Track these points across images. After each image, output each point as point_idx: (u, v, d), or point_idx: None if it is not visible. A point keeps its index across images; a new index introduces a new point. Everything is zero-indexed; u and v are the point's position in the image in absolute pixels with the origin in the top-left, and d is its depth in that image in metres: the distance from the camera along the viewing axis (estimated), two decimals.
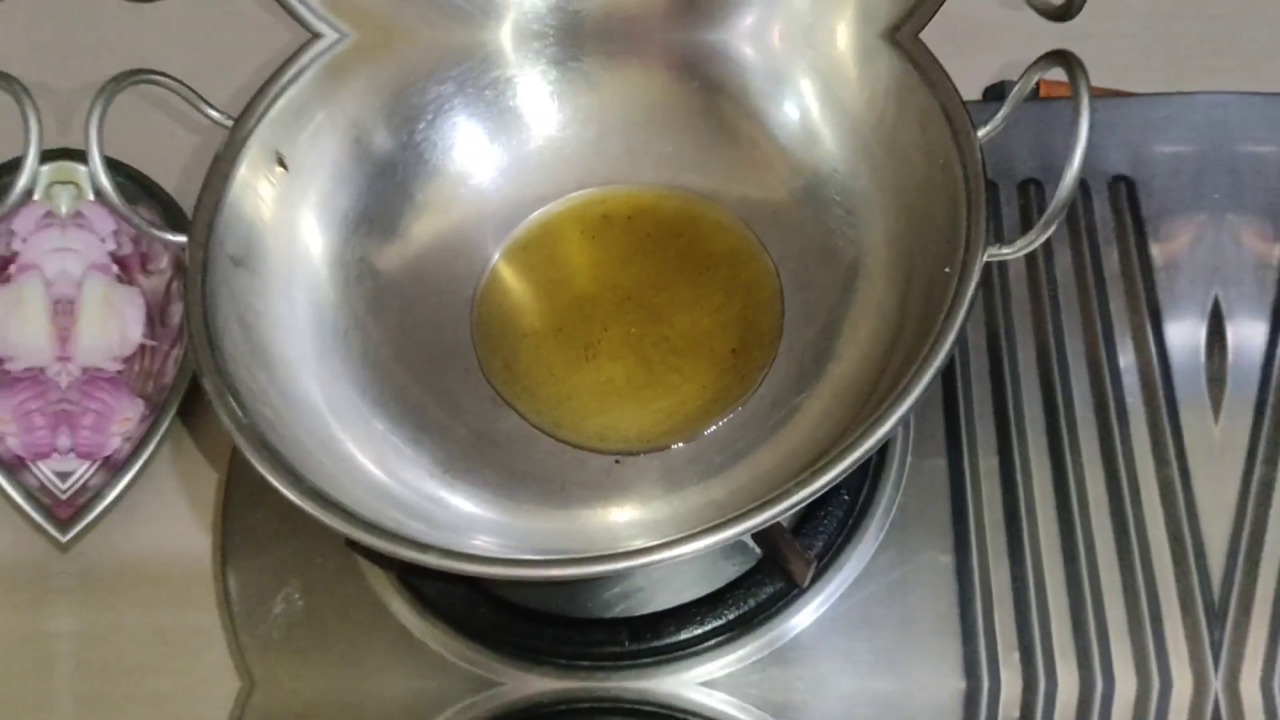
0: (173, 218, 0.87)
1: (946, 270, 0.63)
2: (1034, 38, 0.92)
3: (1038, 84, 0.86)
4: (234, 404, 0.63)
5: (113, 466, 0.81)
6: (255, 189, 0.71)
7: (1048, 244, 0.82)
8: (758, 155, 0.78)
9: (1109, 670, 0.71)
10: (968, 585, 0.73)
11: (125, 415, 0.83)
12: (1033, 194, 0.85)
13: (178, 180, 0.90)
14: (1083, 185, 0.84)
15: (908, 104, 0.70)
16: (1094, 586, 0.73)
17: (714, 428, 0.73)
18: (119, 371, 0.85)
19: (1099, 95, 0.81)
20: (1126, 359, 0.79)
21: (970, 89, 0.80)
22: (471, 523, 0.69)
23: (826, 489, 0.58)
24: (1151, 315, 0.80)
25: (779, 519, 0.58)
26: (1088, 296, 0.81)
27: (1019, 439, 0.77)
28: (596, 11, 0.77)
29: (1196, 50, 0.93)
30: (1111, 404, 0.78)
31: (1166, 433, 0.76)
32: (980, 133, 0.66)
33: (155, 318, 0.86)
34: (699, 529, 0.57)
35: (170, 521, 0.82)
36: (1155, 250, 0.82)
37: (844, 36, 0.74)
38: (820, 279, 0.75)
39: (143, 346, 0.86)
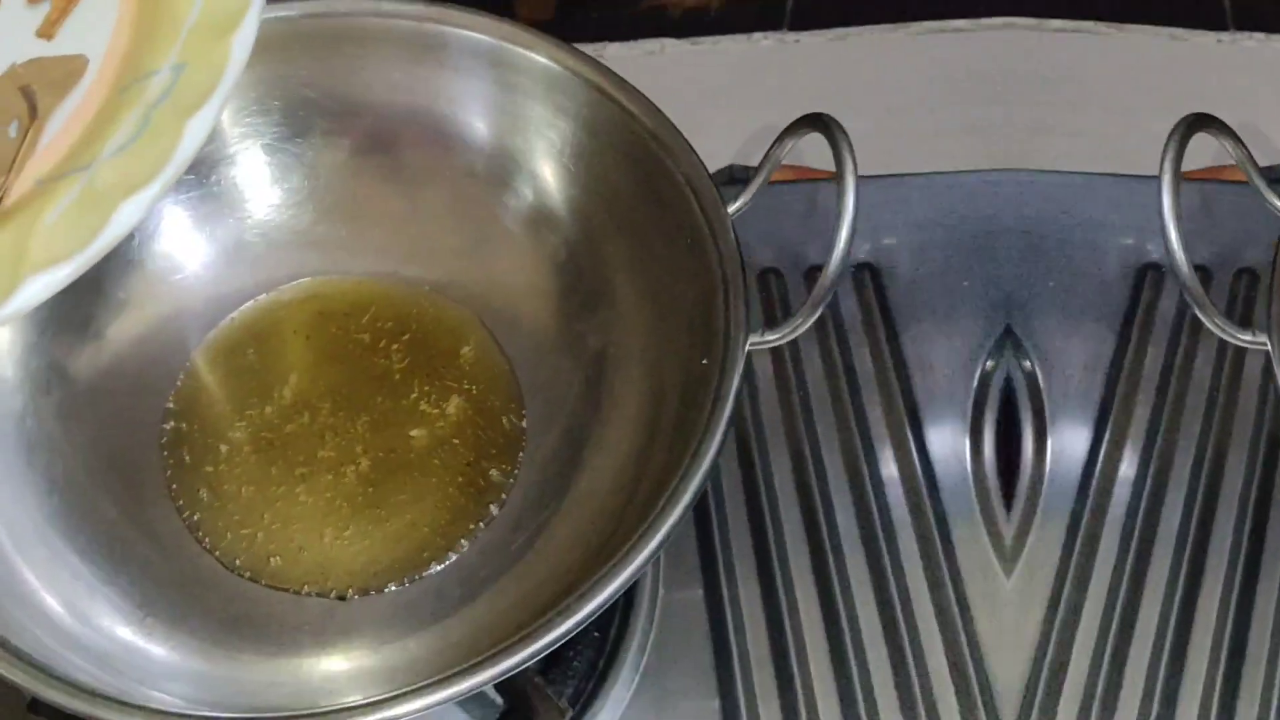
0: None
1: (704, 362, 0.62)
2: (755, 123, 0.95)
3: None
4: None
5: None
6: None
7: (794, 341, 0.81)
8: (489, 241, 0.75)
9: None
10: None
11: None
12: (774, 285, 0.84)
13: None
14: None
15: (649, 180, 0.69)
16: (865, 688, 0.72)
17: (451, 557, 0.68)
18: None
19: (827, 178, 0.82)
20: (888, 468, 0.78)
21: None
22: (173, 673, 0.64)
23: (578, 629, 0.55)
24: (910, 417, 0.80)
25: (525, 665, 0.55)
26: (841, 399, 0.81)
27: (780, 564, 0.76)
28: (323, 90, 0.74)
29: (923, 132, 0.96)
30: (877, 520, 0.77)
31: (938, 552, 0.75)
32: (730, 208, 0.65)
33: None
34: (431, 680, 0.54)
35: None
36: (907, 344, 0.82)
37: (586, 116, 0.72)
38: (563, 378, 0.72)
39: None
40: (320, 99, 0.74)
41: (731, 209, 0.65)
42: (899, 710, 0.71)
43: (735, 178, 0.89)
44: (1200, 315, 0.62)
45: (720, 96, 0.98)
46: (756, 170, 0.67)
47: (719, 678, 0.72)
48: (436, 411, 0.72)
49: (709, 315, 0.63)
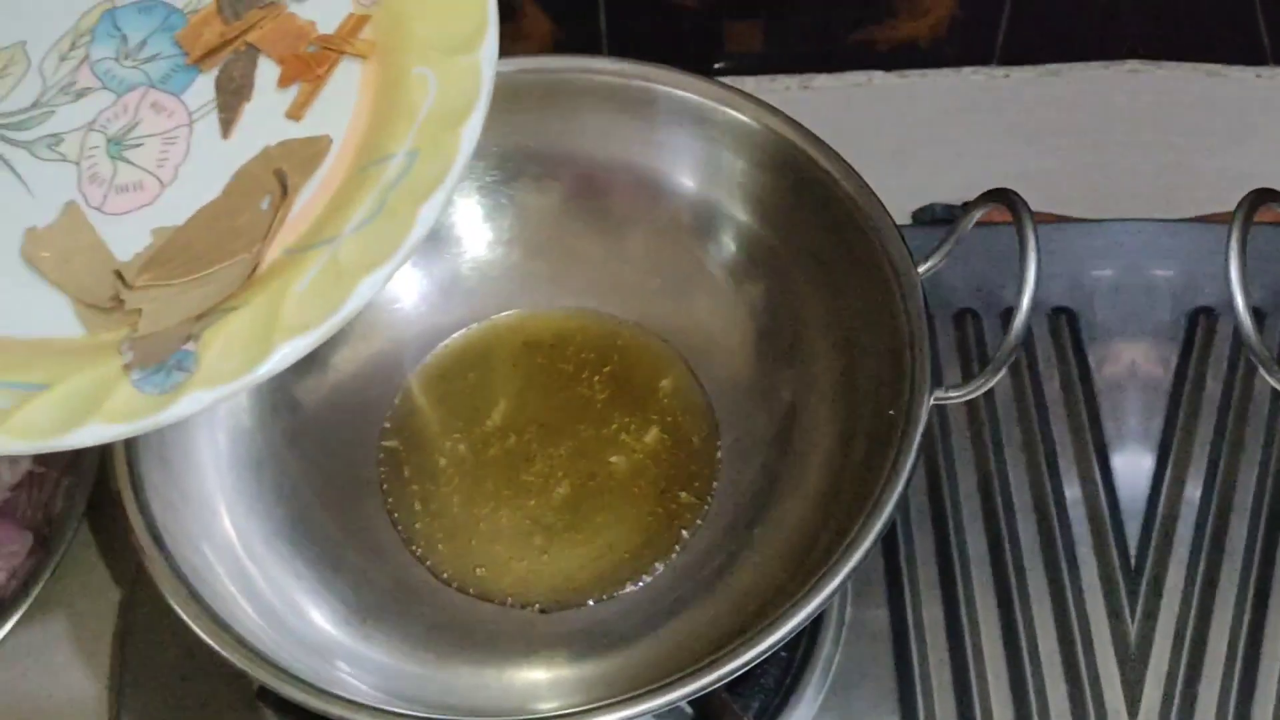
0: None
1: (890, 413, 0.65)
2: (961, 157, 0.98)
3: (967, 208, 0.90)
4: (160, 553, 0.64)
5: None
6: None
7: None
8: (690, 285, 0.80)
9: None
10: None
11: (12, 549, 0.80)
12: (969, 326, 0.87)
13: None
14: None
15: (844, 238, 0.72)
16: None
17: (646, 578, 0.73)
18: (5, 501, 0.82)
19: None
20: (1073, 493, 0.80)
21: (897, 211, 0.83)
22: (389, 675, 0.69)
23: (768, 653, 0.59)
24: (1098, 449, 0.82)
25: (717, 685, 0.59)
26: (1031, 433, 0.83)
27: (964, 587, 0.78)
28: (536, 139, 0.79)
29: (1119, 180, 0.97)
30: (1060, 546, 0.79)
31: (1119, 580, 0.77)
32: (920, 269, 0.69)
33: None
34: (628, 695, 0.58)
35: (60, 666, 0.80)
36: (1098, 380, 0.84)
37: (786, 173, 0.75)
38: (757, 418, 0.76)
39: (31, 474, 0.84)
40: (533, 147, 0.79)
41: (922, 269, 0.68)
42: None
43: (938, 217, 0.92)
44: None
45: (927, 130, 1.00)
46: (944, 239, 0.70)
47: (900, 698, 0.75)
48: (635, 440, 0.77)
49: (897, 369, 0.66)
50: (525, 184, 0.81)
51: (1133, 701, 0.73)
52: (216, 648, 0.61)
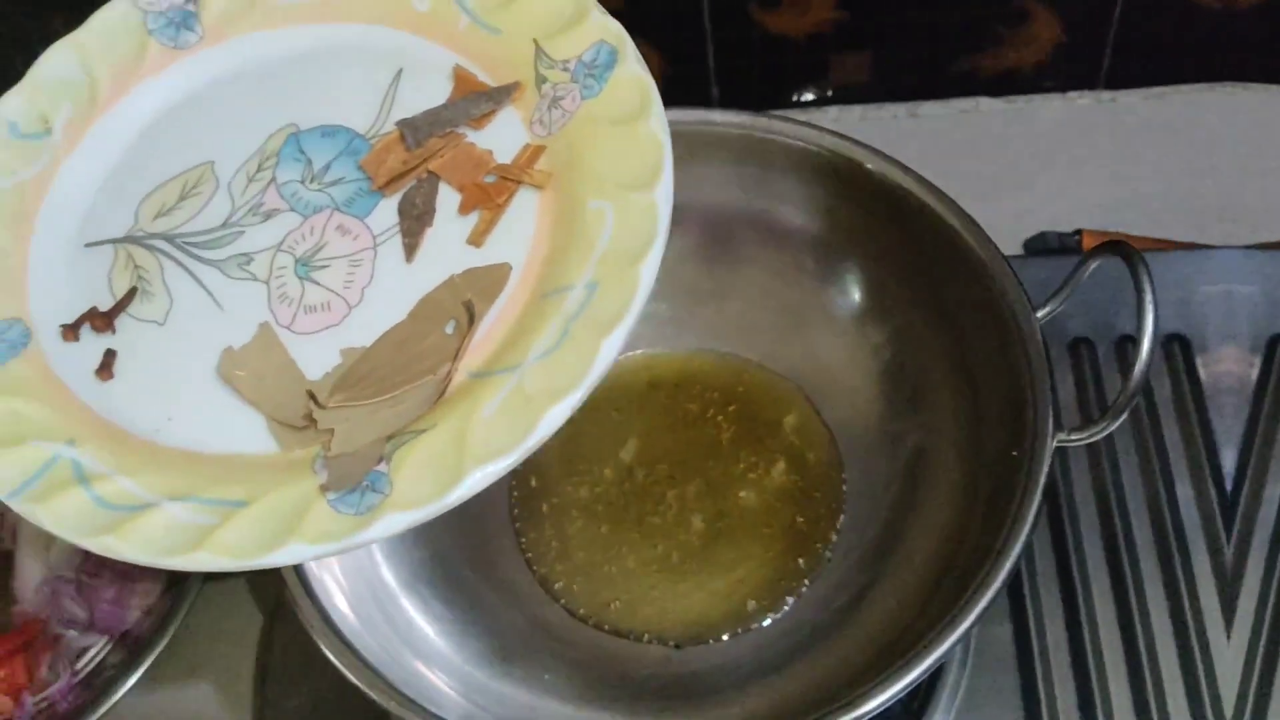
0: None
1: (1014, 454, 0.68)
2: (1069, 182, 1.00)
3: (1080, 237, 0.93)
4: (310, 605, 0.67)
5: (133, 644, 0.82)
6: None
7: (1102, 399, 0.87)
8: (814, 329, 0.84)
9: None
10: None
11: (145, 586, 0.84)
12: (1085, 355, 0.89)
13: None
14: (1133, 341, 0.88)
15: (962, 283, 0.75)
16: None
17: (778, 613, 0.76)
18: None
19: (1143, 248, 0.86)
20: (1190, 517, 0.83)
21: (1009, 240, 0.84)
22: (530, 712, 0.73)
23: (907, 690, 0.62)
24: (1213, 469, 0.84)
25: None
26: (1147, 454, 0.85)
27: (1085, 603, 0.80)
28: None
29: (1224, 203, 0.99)
30: (1177, 564, 0.81)
31: (1238, 595, 0.80)
32: (1039, 314, 0.72)
33: None
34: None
35: (198, 703, 0.84)
36: (1211, 401, 0.87)
37: (901, 217, 0.78)
38: (881, 456, 0.79)
39: None
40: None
41: (1040, 315, 0.72)
42: None
43: (1049, 245, 0.95)
44: None
45: (1035, 156, 1.03)
46: (1060, 286, 0.73)
47: (1026, 714, 0.77)
48: (763, 477, 0.81)
49: (1019, 413, 0.69)
50: None
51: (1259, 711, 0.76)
52: (365, 689, 0.65)
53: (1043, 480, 0.66)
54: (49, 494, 0.60)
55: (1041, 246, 0.95)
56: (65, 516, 0.59)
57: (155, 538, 0.58)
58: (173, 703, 0.83)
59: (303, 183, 0.66)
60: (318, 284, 0.63)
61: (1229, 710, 0.76)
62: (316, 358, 0.62)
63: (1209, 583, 0.80)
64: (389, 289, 0.63)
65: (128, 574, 0.84)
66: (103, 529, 0.58)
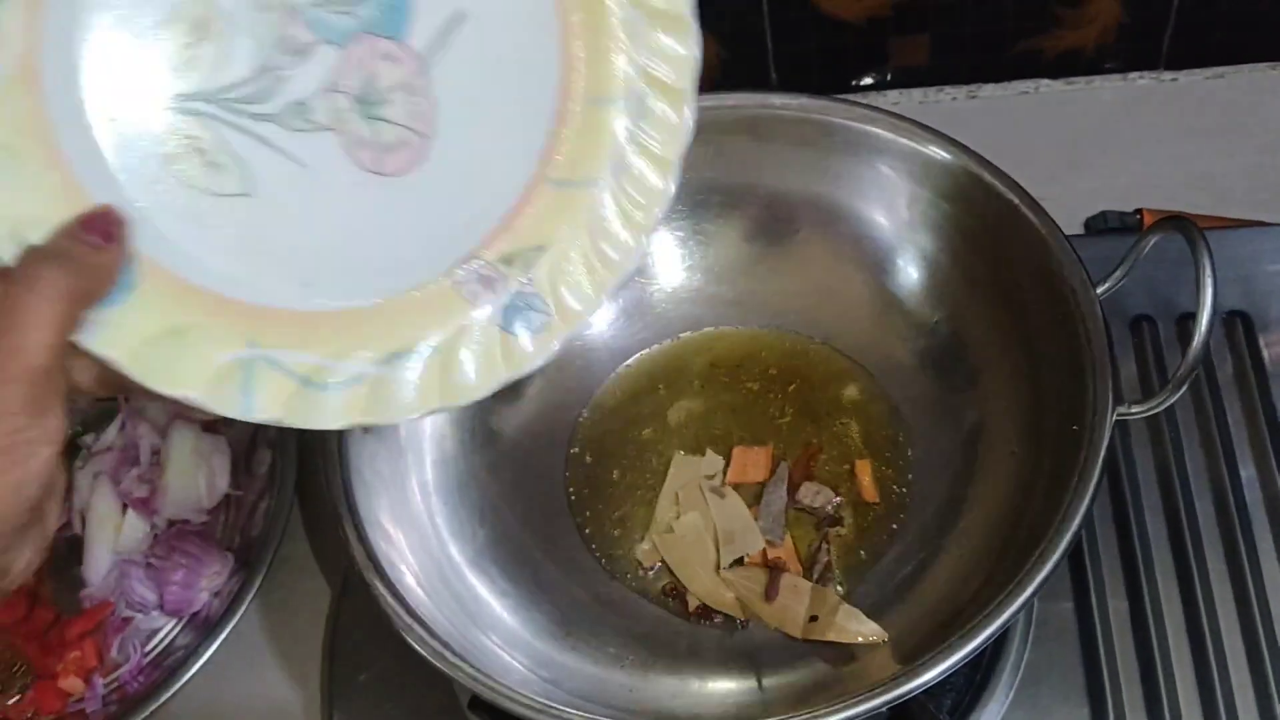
0: None
1: (1075, 428, 0.70)
2: (1130, 162, 1.02)
3: (1141, 216, 0.94)
4: (378, 575, 0.70)
5: (202, 625, 0.85)
6: None
7: (1163, 376, 0.89)
8: (873, 308, 0.86)
9: None
10: None
11: (214, 569, 0.87)
12: (1146, 332, 0.91)
13: None
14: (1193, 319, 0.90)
15: (1022, 262, 0.77)
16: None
17: (841, 587, 0.78)
18: (204, 524, 0.90)
19: (1205, 226, 0.88)
20: (1253, 494, 0.84)
21: (1069, 219, 0.86)
22: (592, 683, 0.75)
23: (968, 658, 0.64)
24: (1276, 451, 0.86)
25: (916, 693, 0.64)
26: (1208, 428, 0.87)
27: (1147, 576, 0.82)
28: (719, 170, 0.85)
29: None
30: (1240, 538, 0.82)
31: None
32: (1099, 290, 0.74)
33: (241, 467, 0.92)
34: (846, 700, 0.64)
35: (267, 682, 0.86)
36: (1276, 390, 0.88)
37: (960, 197, 0.81)
38: (943, 432, 0.82)
39: (229, 497, 0.91)
40: (717, 179, 0.86)
41: (1100, 290, 0.74)
42: (1257, 713, 0.77)
43: (1109, 224, 0.97)
44: None
45: (1096, 136, 1.05)
46: (1120, 260, 0.75)
47: (1089, 689, 0.79)
48: (825, 455, 0.83)
49: (1079, 386, 0.71)
50: (710, 214, 0.87)
51: None
52: (433, 660, 0.67)
53: (1103, 452, 0.68)
54: (274, 401, 0.59)
55: (1102, 226, 0.97)
56: (302, 412, 0.60)
57: (389, 398, 0.61)
58: (242, 683, 0.86)
59: (319, 6, 0.60)
60: (386, 120, 0.62)
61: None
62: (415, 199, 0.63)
63: (1272, 559, 0.82)
64: (454, 111, 0.63)
65: (196, 556, 0.87)
66: (344, 411, 0.61)
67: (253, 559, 0.86)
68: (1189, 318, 0.90)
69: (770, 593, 0.77)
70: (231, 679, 0.86)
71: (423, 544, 0.77)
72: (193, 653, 0.82)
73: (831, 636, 0.74)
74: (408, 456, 0.80)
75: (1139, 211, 0.97)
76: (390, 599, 0.69)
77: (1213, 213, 0.95)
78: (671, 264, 0.89)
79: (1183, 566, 0.82)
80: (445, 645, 0.68)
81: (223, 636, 0.83)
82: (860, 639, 0.74)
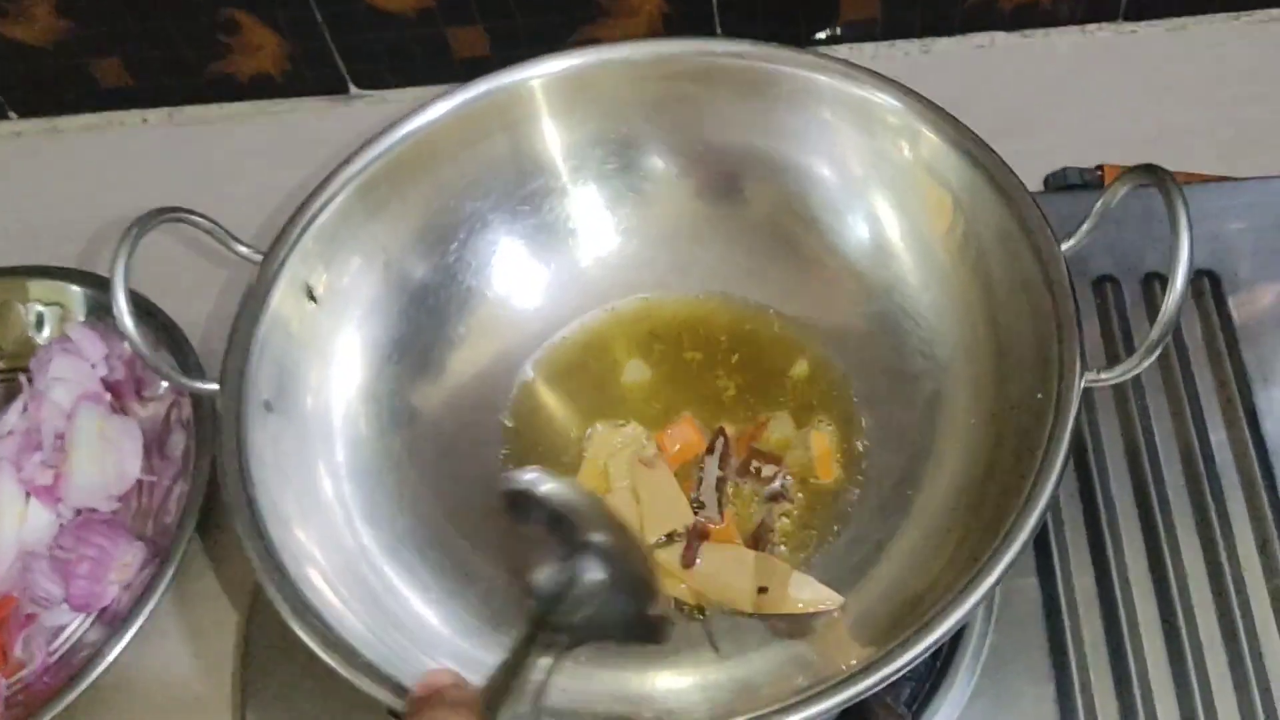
0: (169, 337, 0.88)
1: (1039, 396, 0.66)
2: (1090, 117, 0.98)
3: (1102, 172, 0.90)
4: (277, 572, 0.65)
5: (111, 620, 0.81)
6: (286, 326, 0.74)
7: (1129, 340, 0.85)
8: (824, 272, 0.81)
9: None
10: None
11: (124, 560, 0.82)
12: (1110, 294, 0.87)
13: (202, 322, 0.93)
14: (1160, 279, 0.86)
15: (981, 217, 0.73)
16: (1209, 716, 0.73)
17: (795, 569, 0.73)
18: (114, 512, 0.85)
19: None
20: (1224, 459, 0.81)
21: (1028, 176, 0.82)
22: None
23: (935, 647, 0.60)
24: (1248, 415, 0.82)
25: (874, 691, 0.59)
26: (1177, 396, 0.83)
27: (1115, 554, 0.78)
28: (655, 125, 0.80)
29: (1251, 135, 0.96)
30: (1212, 510, 0.79)
31: (1275, 544, 0.77)
32: (1065, 246, 0.69)
33: (153, 449, 0.87)
34: (798, 699, 0.59)
35: (179, 682, 0.82)
36: (1247, 350, 0.84)
37: (915, 149, 0.76)
38: (899, 406, 0.77)
39: (140, 483, 0.87)
40: (655, 133, 0.81)
41: (1065, 247, 0.68)
42: (1233, 691, 0.73)
43: (1070, 181, 0.93)
44: None
45: (1054, 91, 1.01)
46: (1087, 215, 0.69)
47: (1055, 669, 0.75)
48: (771, 429, 0.78)
49: (1043, 352, 0.67)
50: (646, 171, 0.82)
51: None
52: (341, 670, 0.63)
53: (1071, 423, 0.63)
54: None
55: (1062, 183, 0.93)
56: None
57: None
58: (155, 680, 0.82)
59: None
60: None
61: (1271, 660, 0.74)
62: None
63: (1245, 527, 0.78)
64: None
65: (105, 547, 0.82)
66: None
67: (166, 548, 0.81)
68: (1155, 278, 0.87)
69: (687, 556, 0.73)
70: (144, 676, 0.82)
71: (334, 535, 0.72)
72: (102, 650, 0.77)
73: (786, 609, 0.70)
74: (315, 439, 0.75)
75: (1100, 168, 0.93)
76: (291, 599, 0.64)
77: (1177, 168, 0.88)
78: (604, 227, 0.84)
79: (1152, 540, 0.79)
80: (350, 651, 0.63)
81: (133, 632, 0.78)
82: (817, 607, 0.70)
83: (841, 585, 0.71)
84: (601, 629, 0.64)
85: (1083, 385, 0.65)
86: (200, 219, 0.73)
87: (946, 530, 0.69)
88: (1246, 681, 0.74)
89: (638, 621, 0.65)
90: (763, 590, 0.71)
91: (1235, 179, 0.91)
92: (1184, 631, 0.75)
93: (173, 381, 0.71)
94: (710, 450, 0.77)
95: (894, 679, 0.60)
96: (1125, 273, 0.87)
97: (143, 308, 0.88)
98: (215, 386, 0.70)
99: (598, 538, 0.64)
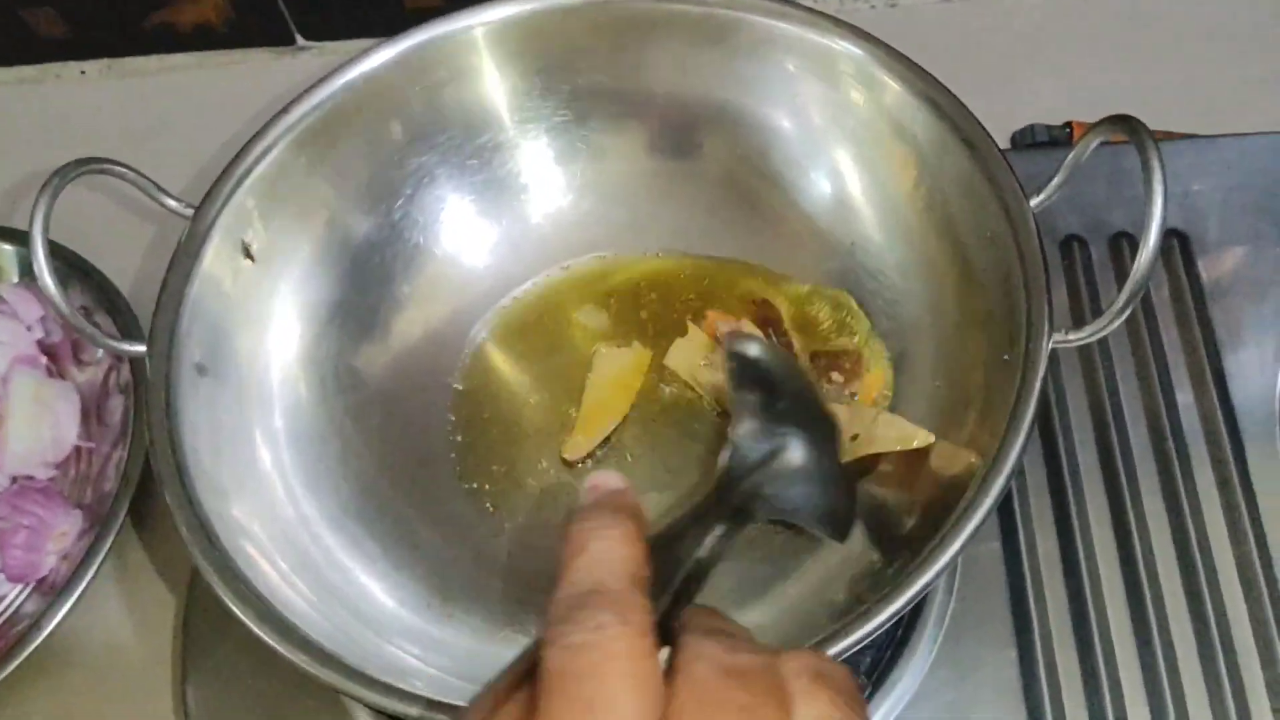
0: (106, 298, 0.85)
1: (1006, 358, 0.63)
2: (1057, 73, 0.96)
3: (1070, 129, 0.88)
4: (210, 547, 0.62)
5: (49, 590, 0.78)
6: (219, 285, 0.70)
7: (1096, 302, 0.83)
8: (785, 229, 0.78)
9: None
10: (1037, 707, 0.72)
11: (61, 529, 0.80)
12: (1077, 253, 0.85)
13: (133, 281, 0.90)
14: (1129, 238, 0.84)
15: (948, 172, 0.70)
16: (1173, 681, 0.72)
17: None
18: (51, 479, 0.83)
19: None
20: (1190, 421, 0.79)
21: (995, 133, 0.80)
22: (465, 658, 0.68)
23: (894, 618, 0.57)
24: (1215, 376, 0.80)
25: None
26: (1144, 355, 0.82)
27: (1079, 517, 0.77)
28: (608, 75, 0.77)
29: (1223, 92, 0.95)
30: (1178, 472, 0.77)
31: (1241, 509, 0.76)
32: (1034, 202, 0.66)
33: (91, 415, 0.84)
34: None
35: (120, 654, 0.80)
36: (1212, 299, 0.83)
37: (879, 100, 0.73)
38: None
39: (78, 449, 0.84)
40: (606, 84, 0.78)
41: (1034, 203, 0.66)
42: (1198, 659, 0.72)
43: (1037, 138, 0.90)
44: None
45: (1021, 47, 0.98)
46: (1057, 169, 0.66)
47: (1018, 635, 0.73)
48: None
49: (1010, 310, 0.64)
50: (599, 124, 0.79)
51: (1259, 622, 0.73)
52: (278, 648, 0.60)
53: (1038, 385, 0.61)
54: None
55: (1030, 140, 0.91)
56: None
57: None
58: (95, 652, 0.80)
59: None
60: None
61: (1236, 628, 0.72)
62: None
63: (1211, 489, 0.77)
64: None
65: (41, 516, 0.79)
66: None
67: (105, 517, 0.78)
68: (1123, 237, 0.84)
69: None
70: (84, 647, 0.80)
71: (272, 506, 0.69)
72: (40, 621, 0.75)
73: (878, 448, 0.69)
74: (253, 404, 0.72)
75: (1068, 124, 0.90)
76: (216, 575, 0.61)
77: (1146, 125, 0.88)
78: (556, 183, 0.81)
79: (1117, 504, 0.77)
80: (288, 628, 0.60)
81: (72, 602, 0.75)
82: (910, 444, 0.68)
83: (791, 560, 0.69)
84: (788, 510, 0.63)
85: (1050, 346, 0.62)
86: (125, 170, 0.69)
87: (905, 499, 0.67)
88: (1211, 647, 0.72)
89: (825, 514, 0.64)
90: (854, 438, 0.70)
91: (1207, 136, 0.89)
92: (1148, 596, 0.74)
93: (96, 343, 0.68)
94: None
95: (853, 650, 0.57)
96: (1092, 232, 0.85)
97: (77, 266, 0.86)
98: (143, 348, 0.67)
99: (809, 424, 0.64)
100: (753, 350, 0.64)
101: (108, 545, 0.77)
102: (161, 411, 0.65)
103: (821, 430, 0.64)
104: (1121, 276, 0.81)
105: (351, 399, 0.75)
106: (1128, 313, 0.61)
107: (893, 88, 0.72)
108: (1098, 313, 0.64)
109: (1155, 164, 0.61)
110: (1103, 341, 0.82)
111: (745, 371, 0.64)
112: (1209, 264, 0.84)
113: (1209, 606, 0.73)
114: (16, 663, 0.74)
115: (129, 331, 0.81)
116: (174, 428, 0.65)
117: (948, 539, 0.58)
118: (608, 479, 0.50)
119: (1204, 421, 0.79)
